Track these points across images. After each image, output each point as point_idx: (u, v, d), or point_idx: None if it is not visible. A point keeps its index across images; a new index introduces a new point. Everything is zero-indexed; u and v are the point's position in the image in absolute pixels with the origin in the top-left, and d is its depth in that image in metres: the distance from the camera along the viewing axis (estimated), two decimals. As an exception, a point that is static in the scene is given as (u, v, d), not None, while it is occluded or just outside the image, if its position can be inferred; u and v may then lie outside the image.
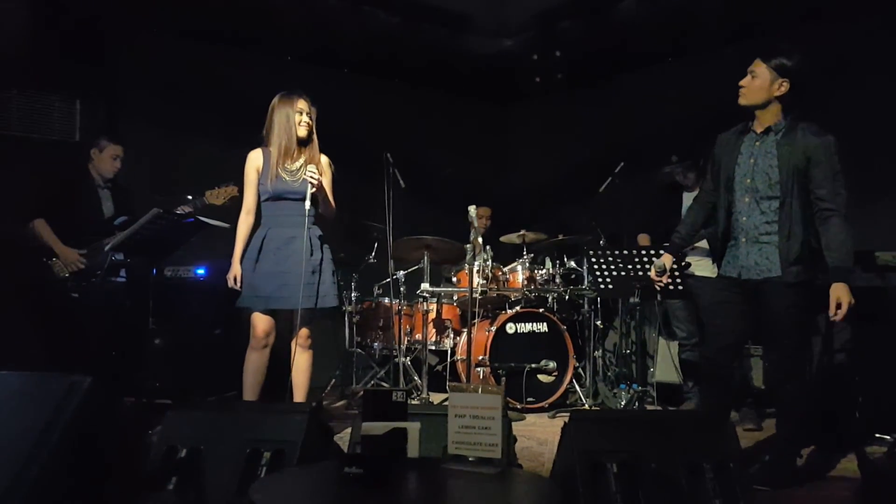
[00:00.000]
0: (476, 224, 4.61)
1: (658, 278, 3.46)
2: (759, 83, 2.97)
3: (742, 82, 3.03)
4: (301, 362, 3.61)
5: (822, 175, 2.89)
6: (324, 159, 3.69)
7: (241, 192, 3.72)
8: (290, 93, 3.59)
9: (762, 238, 3.01)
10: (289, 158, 3.56)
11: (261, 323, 3.54)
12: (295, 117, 3.55)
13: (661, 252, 3.54)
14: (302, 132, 3.57)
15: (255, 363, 3.55)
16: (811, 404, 3.69)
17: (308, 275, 3.49)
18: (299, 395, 3.61)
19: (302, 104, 3.58)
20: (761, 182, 3.00)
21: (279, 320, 3.60)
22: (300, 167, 3.56)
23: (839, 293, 2.83)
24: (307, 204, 3.45)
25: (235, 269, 3.57)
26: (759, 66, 2.98)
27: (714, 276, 3.32)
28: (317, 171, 3.48)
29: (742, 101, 3.04)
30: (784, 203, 2.94)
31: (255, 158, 3.61)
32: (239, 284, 3.55)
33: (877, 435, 3.79)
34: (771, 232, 2.98)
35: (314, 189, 3.46)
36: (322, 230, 3.67)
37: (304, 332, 3.58)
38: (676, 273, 3.83)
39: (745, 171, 3.06)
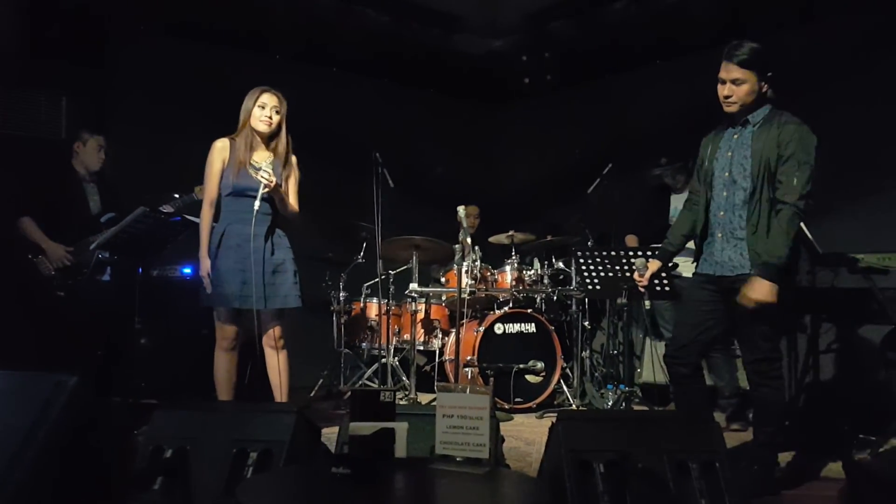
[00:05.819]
0: (465, 224, 4.61)
1: (640, 278, 3.40)
2: (748, 88, 2.84)
3: (725, 91, 2.87)
4: (275, 363, 3.53)
5: (787, 166, 2.78)
6: (292, 159, 3.59)
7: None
8: (258, 87, 3.50)
9: (737, 233, 2.91)
10: (252, 154, 3.45)
11: (228, 322, 3.49)
12: (256, 112, 3.47)
13: (649, 255, 3.53)
14: (261, 127, 3.47)
15: (225, 363, 3.49)
16: (788, 408, 3.62)
17: (269, 275, 3.44)
18: (279, 396, 3.55)
19: (266, 98, 3.47)
20: (738, 175, 2.91)
21: (247, 320, 3.49)
22: (265, 165, 3.44)
23: (754, 291, 2.74)
24: (256, 203, 3.33)
25: (207, 264, 3.45)
26: (735, 71, 2.83)
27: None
28: (270, 172, 3.35)
29: (730, 109, 2.91)
30: (753, 196, 2.84)
31: (221, 148, 3.50)
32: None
33: (860, 436, 3.82)
34: (745, 227, 2.89)
35: (266, 190, 3.34)
36: (286, 230, 3.59)
37: (276, 332, 3.51)
38: (663, 274, 3.83)
39: (723, 166, 2.97)
